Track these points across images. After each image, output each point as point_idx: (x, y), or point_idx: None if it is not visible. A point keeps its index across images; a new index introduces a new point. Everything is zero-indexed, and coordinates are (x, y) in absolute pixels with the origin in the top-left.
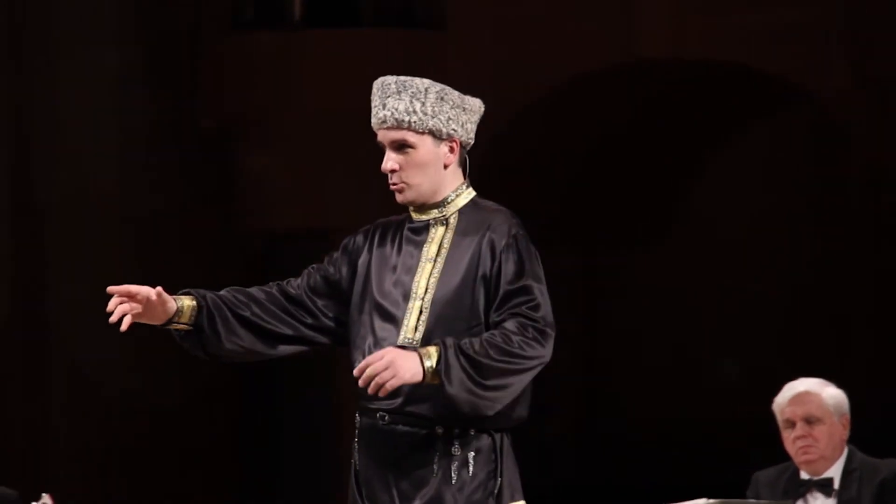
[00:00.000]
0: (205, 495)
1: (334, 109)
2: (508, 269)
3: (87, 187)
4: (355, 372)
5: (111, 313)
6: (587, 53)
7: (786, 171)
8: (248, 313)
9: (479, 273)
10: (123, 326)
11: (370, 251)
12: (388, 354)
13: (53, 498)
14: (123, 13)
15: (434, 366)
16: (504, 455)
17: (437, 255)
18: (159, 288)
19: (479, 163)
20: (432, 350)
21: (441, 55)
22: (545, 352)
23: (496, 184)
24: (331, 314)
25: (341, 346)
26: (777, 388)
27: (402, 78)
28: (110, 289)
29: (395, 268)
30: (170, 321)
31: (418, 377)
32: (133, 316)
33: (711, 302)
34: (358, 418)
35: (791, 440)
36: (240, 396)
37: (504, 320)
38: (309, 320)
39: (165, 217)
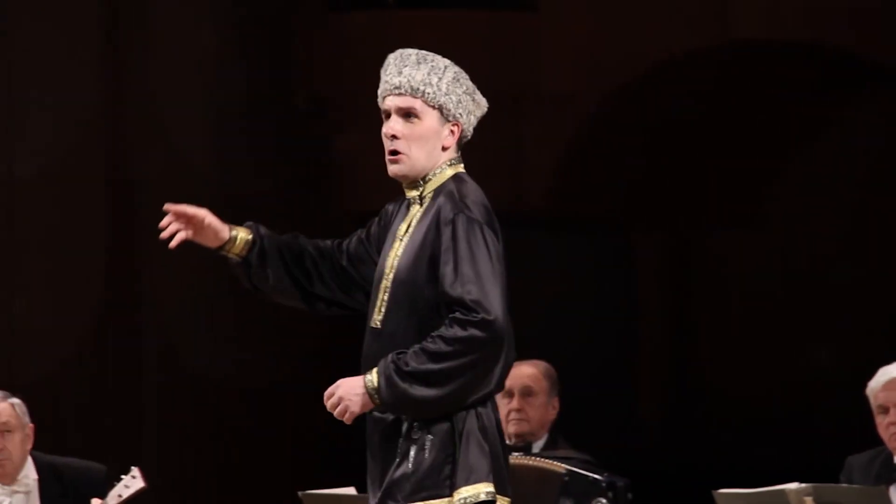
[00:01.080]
0: (295, 477)
1: None
2: (443, 259)
3: (181, 166)
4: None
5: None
6: (680, 33)
7: (888, 158)
8: (296, 269)
9: (429, 254)
10: (173, 244)
11: (382, 229)
12: (337, 390)
13: (142, 471)
14: None
15: (376, 385)
16: (465, 438)
17: (406, 233)
18: (207, 212)
19: (569, 147)
20: (374, 371)
21: (532, 36)
22: (480, 339)
23: (590, 164)
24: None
25: None
26: (871, 373)
27: (423, 52)
28: (167, 206)
29: (385, 246)
30: (222, 247)
31: (368, 403)
32: (186, 236)
33: (805, 286)
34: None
35: (884, 425)
36: (329, 379)
37: (448, 318)
38: (347, 287)
39: (258, 197)
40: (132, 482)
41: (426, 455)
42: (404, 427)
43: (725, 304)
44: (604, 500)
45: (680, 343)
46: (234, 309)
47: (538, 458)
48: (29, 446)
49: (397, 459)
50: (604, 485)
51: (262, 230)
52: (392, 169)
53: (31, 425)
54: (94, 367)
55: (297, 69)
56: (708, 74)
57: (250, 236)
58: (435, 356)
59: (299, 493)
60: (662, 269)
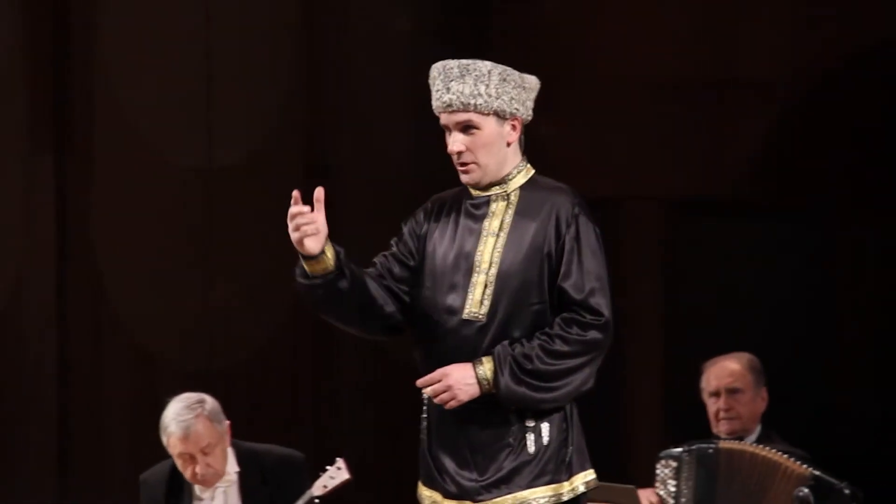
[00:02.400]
0: None
1: (622, 76)
2: (566, 258)
3: (379, 153)
4: (417, 383)
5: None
6: (883, 18)
7: None
8: (365, 295)
9: (545, 250)
10: (306, 245)
11: (431, 226)
12: (446, 377)
13: (347, 463)
14: None
15: (489, 378)
16: (573, 424)
17: (500, 229)
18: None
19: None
20: (486, 361)
21: (733, 18)
22: (600, 341)
23: (792, 153)
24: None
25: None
26: None
27: (464, 61)
28: (296, 198)
29: (455, 241)
30: (313, 257)
31: (475, 392)
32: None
33: None
34: (426, 395)
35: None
36: None
37: (561, 318)
38: (397, 306)
39: (449, 187)
40: (337, 473)
41: (545, 442)
42: (513, 416)
43: (870, 299)
44: None
45: (889, 332)
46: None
47: (778, 453)
48: (229, 443)
49: (510, 447)
50: (848, 493)
51: (346, 261)
52: (465, 179)
53: (227, 423)
54: (289, 355)
55: (491, 54)
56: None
57: (334, 255)
58: (557, 355)
59: None
60: (868, 260)
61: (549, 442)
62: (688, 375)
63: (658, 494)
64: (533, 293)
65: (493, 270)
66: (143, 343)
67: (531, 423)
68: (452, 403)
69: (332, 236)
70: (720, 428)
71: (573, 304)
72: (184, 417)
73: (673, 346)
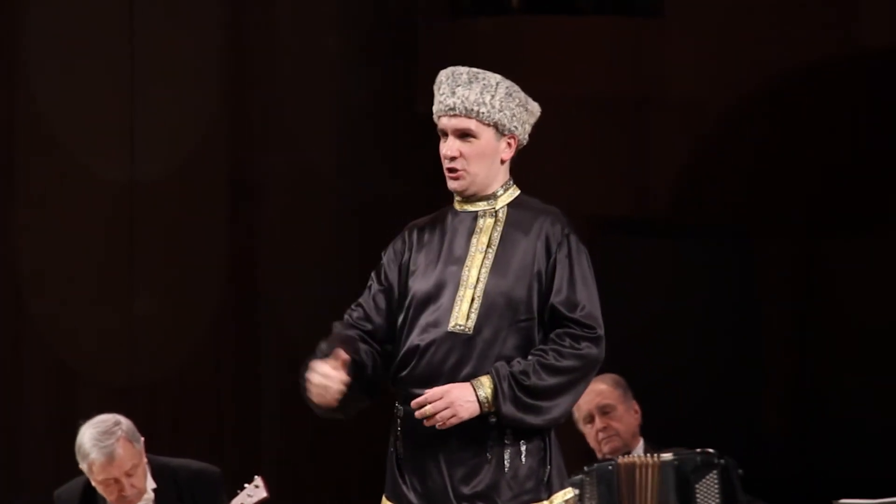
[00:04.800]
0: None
1: (549, 94)
2: (558, 276)
3: (304, 170)
4: (413, 403)
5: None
6: (806, 39)
7: None
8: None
9: (535, 269)
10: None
11: (411, 250)
12: (447, 394)
13: (265, 481)
14: None
15: (489, 397)
16: (552, 443)
17: (489, 246)
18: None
19: (699, 149)
20: (485, 381)
21: (659, 42)
22: (594, 355)
23: (714, 171)
24: None
25: None
26: None
27: (474, 70)
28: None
29: (440, 259)
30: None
31: (476, 411)
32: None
33: None
34: (399, 407)
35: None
36: None
37: (554, 333)
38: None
39: (378, 202)
40: (255, 491)
41: (523, 460)
42: (493, 432)
43: (849, 311)
44: (716, 472)
45: (802, 349)
46: None
47: (640, 456)
48: (145, 461)
49: (489, 464)
50: (717, 457)
51: (355, 357)
52: (453, 185)
53: (142, 440)
54: (212, 369)
55: (419, 75)
56: (833, 81)
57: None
58: (553, 370)
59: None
60: (785, 275)
61: (528, 461)
62: None
63: None
64: (521, 310)
65: (481, 287)
66: (63, 357)
67: (509, 440)
68: (451, 422)
69: (257, 252)
70: (603, 449)
71: (565, 319)
72: (105, 443)
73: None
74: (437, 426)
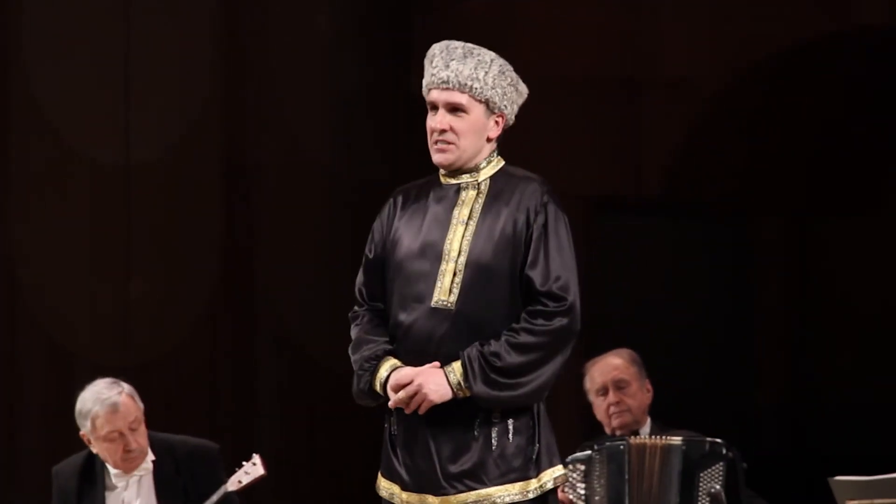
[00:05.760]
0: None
1: (541, 74)
2: (534, 246)
3: (298, 152)
4: (389, 389)
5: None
6: (802, 17)
7: None
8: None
9: (515, 239)
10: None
11: (398, 218)
12: (416, 378)
13: (263, 459)
14: None
15: (461, 381)
16: (541, 421)
17: (470, 218)
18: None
19: (693, 129)
20: (456, 366)
21: (652, 21)
22: (566, 326)
23: (708, 148)
24: None
25: None
26: None
27: (469, 45)
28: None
29: (423, 230)
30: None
31: (447, 395)
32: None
33: None
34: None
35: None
36: None
37: (526, 311)
38: None
39: (372, 184)
40: (252, 469)
41: (510, 438)
42: (481, 411)
43: (843, 288)
44: (722, 463)
45: (797, 326)
46: (350, 293)
47: (651, 438)
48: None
49: (476, 442)
50: (724, 448)
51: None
52: (439, 158)
53: (142, 408)
54: (206, 351)
55: (413, 56)
56: (827, 60)
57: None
58: (524, 348)
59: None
60: (779, 253)
61: (516, 439)
62: None
63: (568, 498)
64: (503, 282)
65: (462, 259)
66: (59, 339)
67: (496, 419)
68: (423, 407)
69: (251, 233)
70: (613, 423)
71: (538, 294)
72: (108, 394)
73: (591, 349)
74: (409, 411)
